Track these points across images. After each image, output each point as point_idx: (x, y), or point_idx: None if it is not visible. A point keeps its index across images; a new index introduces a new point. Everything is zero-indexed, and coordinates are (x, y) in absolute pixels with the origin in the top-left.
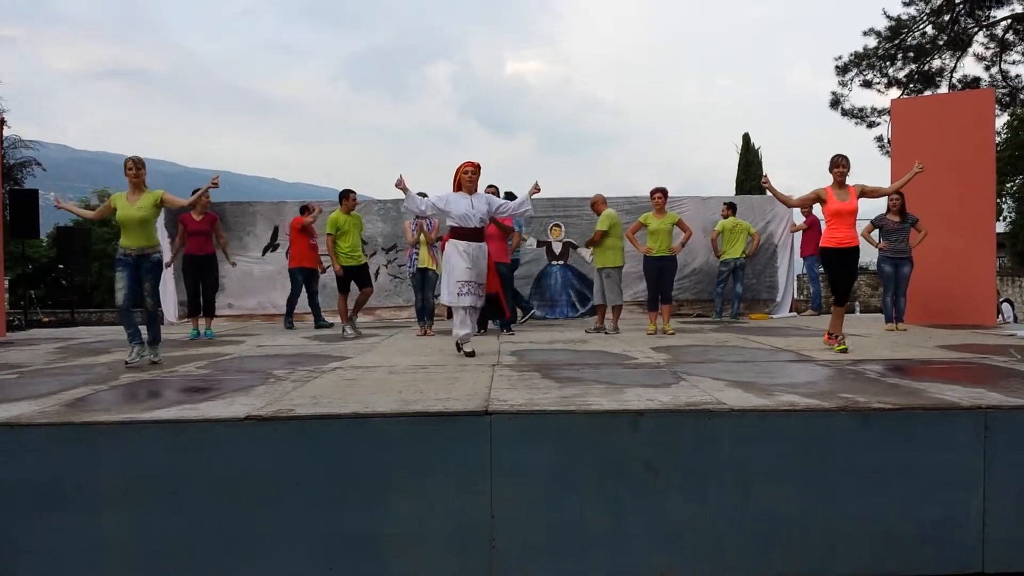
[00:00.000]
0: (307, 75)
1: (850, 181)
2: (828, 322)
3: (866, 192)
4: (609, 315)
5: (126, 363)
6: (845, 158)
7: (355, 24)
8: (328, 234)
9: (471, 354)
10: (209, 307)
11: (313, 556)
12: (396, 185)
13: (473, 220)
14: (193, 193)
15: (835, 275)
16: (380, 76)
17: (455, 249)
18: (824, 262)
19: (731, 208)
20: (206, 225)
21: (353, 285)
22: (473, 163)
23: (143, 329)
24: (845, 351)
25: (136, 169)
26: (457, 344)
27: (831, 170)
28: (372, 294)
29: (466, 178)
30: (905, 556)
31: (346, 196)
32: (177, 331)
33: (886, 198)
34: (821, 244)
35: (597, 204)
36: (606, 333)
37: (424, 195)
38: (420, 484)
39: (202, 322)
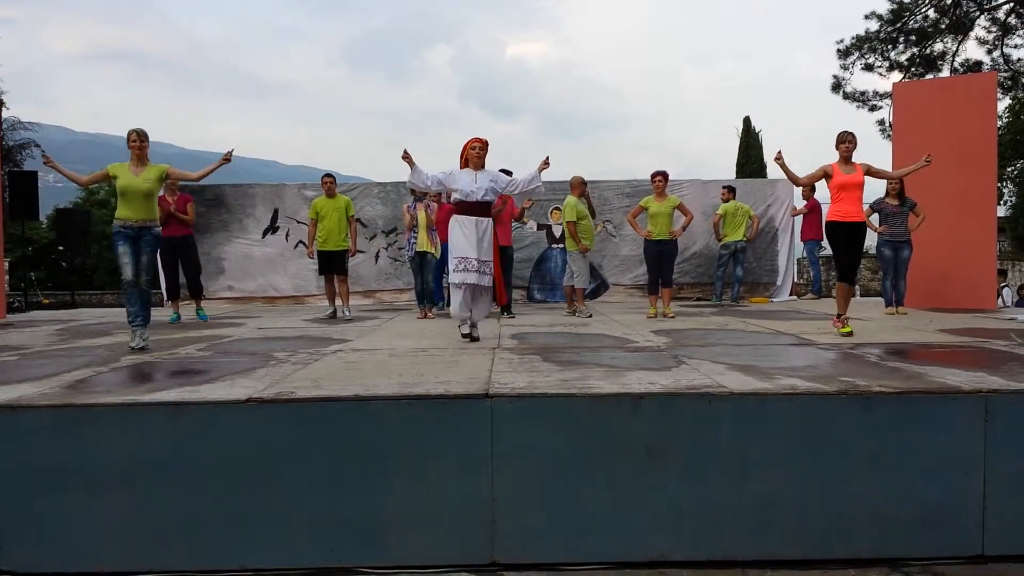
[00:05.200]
0: (306, 58)
1: (856, 159)
2: (831, 306)
3: (872, 171)
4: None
5: (131, 348)
6: (851, 134)
7: (353, 6)
8: (311, 219)
9: (467, 337)
10: (195, 288)
11: (315, 538)
12: (403, 158)
13: (476, 195)
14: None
15: (840, 250)
16: (379, 59)
17: (455, 224)
18: (829, 237)
19: (731, 191)
20: (180, 206)
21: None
22: (481, 139)
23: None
24: (850, 334)
25: (140, 141)
26: (460, 328)
27: (838, 146)
28: (345, 281)
29: (473, 154)
30: (905, 539)
31: (321, 180)
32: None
33: (885, 182)
34: (827, 218)
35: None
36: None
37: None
38: (421, 466)
39: (185, 305)
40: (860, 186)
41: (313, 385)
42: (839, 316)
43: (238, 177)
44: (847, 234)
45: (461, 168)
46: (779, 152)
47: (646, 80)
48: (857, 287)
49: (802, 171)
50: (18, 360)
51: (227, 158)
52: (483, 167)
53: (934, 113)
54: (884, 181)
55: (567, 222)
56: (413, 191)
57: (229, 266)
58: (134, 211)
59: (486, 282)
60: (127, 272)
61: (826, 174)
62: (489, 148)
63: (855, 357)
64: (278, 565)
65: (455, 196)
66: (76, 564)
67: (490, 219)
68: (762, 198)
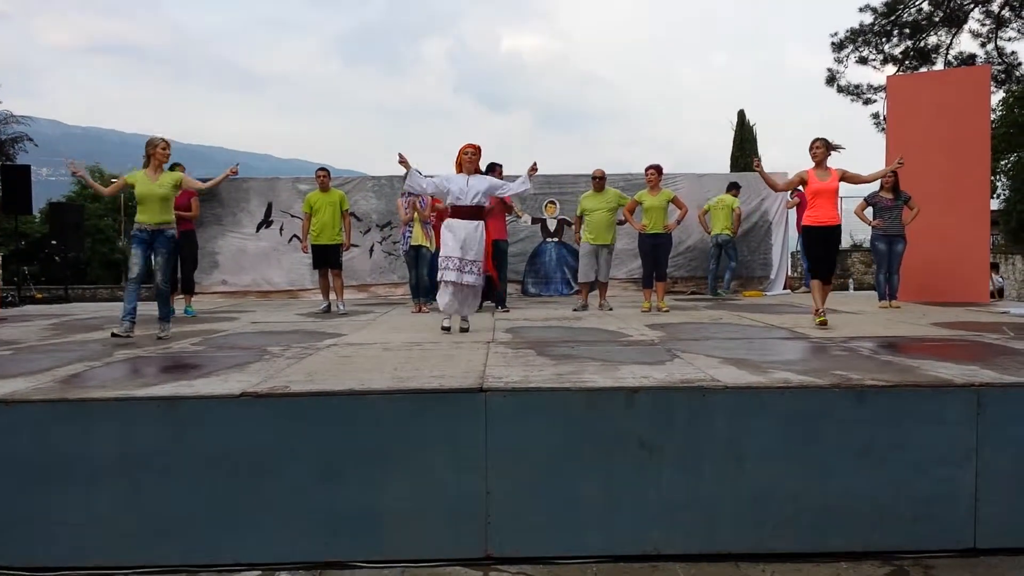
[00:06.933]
0: (300, 50)
1: (835, 165)
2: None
3: (846, 176)
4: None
5: (112, 334)
6: (822, 140)
7: None
8: (305, 213)
9: (446, 330)
10: (188, 284)
11: (309, 531)
12: (399, 162)
13: (466, 199)
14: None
15: (816, 253)
16: (374, 52)
17: (446, 227)
18: (805, 241)
19: (734, 188)
20: (184, 200)
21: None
22: (474, 145)
23: (138, 307)
24: (824, 324)
25: (166, 149)
26: (443, 321)
27: (809, 152)
28: (339, 275)
29: (466, 159)
30: (898, 532)
31: (315, 174)
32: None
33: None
34: (803, 223)
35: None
36: (586, 309)
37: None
38: (416, 460)
39: (181, 300)
40: (835, 192)
41: (307, 379)
42: (817, 310)
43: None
44: (823, 238)
45: (456, 173)
46: (757, 160)
47: (641, 73)
48: (851, 280)
49: (791, 172)
50: (11, 355)
51: (233, 171)
52: (476, 172)
53: (928, 106)
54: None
55: (575, 217)
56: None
57: (223, 260)
58: (151, 215)
59: (468, 280)
60: (133, 271)
61: (802, 180)
62: (483, 147)
63: (848, 350)
64: (272, 559)
65: (448, 200)
66: (70, 559)
67: (481, 222)
68: (756, 192)
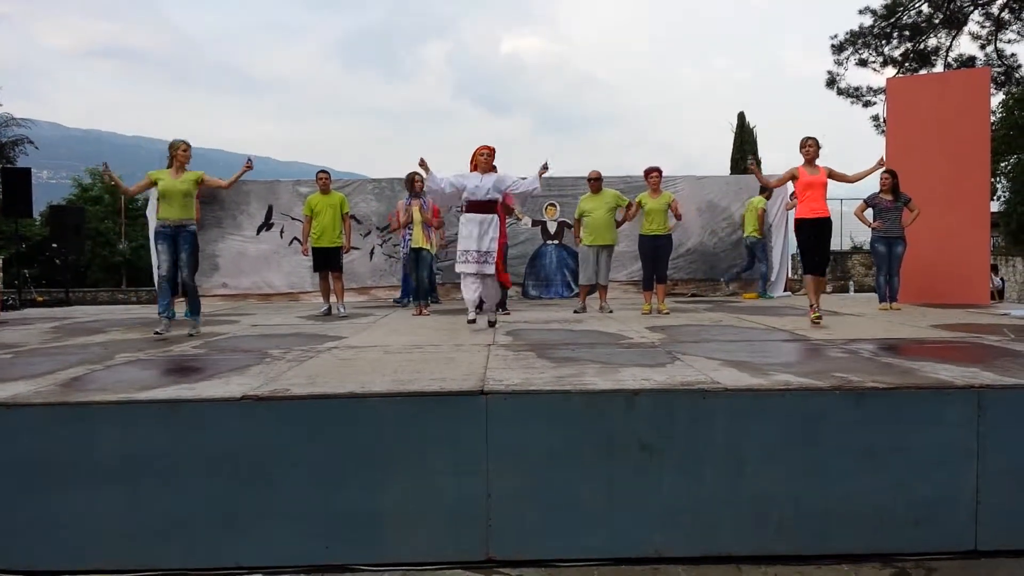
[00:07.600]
0: (300, 53)
1: (822, 163)
2: (824, 301)
3: (833, 175)
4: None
5: (155, 333)
6: (812, 139)
7: (346, 2)
8: (305, 215)
9: (472, 322)
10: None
11: (310, 534)
12: (419, 164)
13: (479, 193)
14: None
15: (809, 246)
16: (373, 55)
17: (462, 220)
18: (798, 234)
19: (766, 190)
20: None
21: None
22: (488, 147)
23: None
24: (819, 318)
25: (187, 151)
26: (468, 315)
27: (800, 150)
28: (339, 278)
29: (481, 159)
30: (899, 535)
31: (316, 177)
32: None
33: (878, 177)
34: (796, 216)
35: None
36: (585, 311)
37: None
38: (417, 463)
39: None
40: (824, 185)
41: (308, 382)
42: (811, 306)
43: (231, 174)
44: (815, 229)
45: (471, 172)
46: (751, 161)
47: (642, 75)
48: (851, 282)
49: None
50: (12, 358)
51: (248, 166)
52: (490, 171)
53: (928, 108)
54: (877, 178)
55: (575, 219)
56: (409, 189)
57: (223, 263)
58: (173, 211)
59: (485, 270)
60: (163, 267)
61: (793, 176)
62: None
63: (849, 353)
64: (273, 563)
65: (464, 195)
66: (70, 562)
67: (494, 215)
68: (755, 194)
